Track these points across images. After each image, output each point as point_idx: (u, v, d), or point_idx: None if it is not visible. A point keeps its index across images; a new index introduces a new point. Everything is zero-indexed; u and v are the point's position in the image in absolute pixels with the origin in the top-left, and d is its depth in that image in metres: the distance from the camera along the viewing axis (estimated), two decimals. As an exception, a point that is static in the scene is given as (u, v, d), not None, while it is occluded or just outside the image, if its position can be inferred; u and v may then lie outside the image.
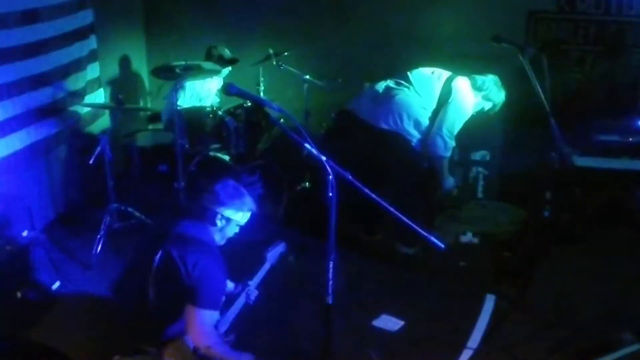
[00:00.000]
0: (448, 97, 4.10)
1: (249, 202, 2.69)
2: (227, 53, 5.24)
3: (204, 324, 2.50)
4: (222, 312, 2.82)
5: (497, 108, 4.29)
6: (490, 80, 4.20)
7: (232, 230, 2.71)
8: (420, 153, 4.20)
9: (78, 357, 3.10)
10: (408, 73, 4.25)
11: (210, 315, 2.52)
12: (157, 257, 2.48)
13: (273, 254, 3.13)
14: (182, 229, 2.57)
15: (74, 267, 4.12)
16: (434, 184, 4.41)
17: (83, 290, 3.86)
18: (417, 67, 4.36)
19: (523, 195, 4.97)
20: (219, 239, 2.69)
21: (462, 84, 4.17)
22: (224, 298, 2.70)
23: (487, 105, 4.25)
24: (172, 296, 2.53)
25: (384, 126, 4.10)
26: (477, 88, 4.19)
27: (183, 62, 4.49)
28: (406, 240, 4.33)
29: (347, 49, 5.77)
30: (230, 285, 2.99)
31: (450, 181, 4.34)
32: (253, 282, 2.99)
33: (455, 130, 4.12)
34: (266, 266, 3.08)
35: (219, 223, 2.63)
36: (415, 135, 4.12)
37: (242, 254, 2.87)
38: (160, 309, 2.53)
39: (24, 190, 4.08)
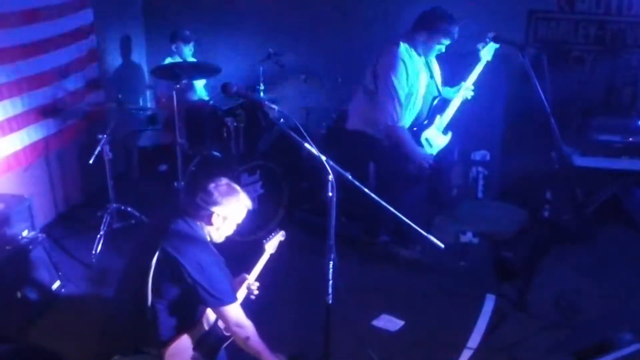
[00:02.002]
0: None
1: (244, 199, 2.68)
2: (186, 34, 5.24)
3: (234, 317, 2.56)
4: None
5: (455, 33, 3.85)
6: (428, 13, 3.84)
7: (229, 229, 2.71)
8: (386, 146, 4.01)
9: (78, 357, 3.11)
10: None
11: (235, 308, 2.57)
12: (155, 257, 2.47)
13: (272, 244, 3.11)
14: (179, 228, 2.57)
15: (74, 267, 4.12)
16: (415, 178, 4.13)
17: (83, 290, 3.87)
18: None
19: (523, 195, 4.97)
20: (216, 237, 2.69)
21: (388, 48, 3.89)
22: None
23: (443, 38, 3.85)
24: (172, 296, 2.54)
25: (349, 128, 4.16)
26: (419, 29, 3.86)
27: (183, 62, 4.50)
28: (403, 243, 4.30)
29: (347, 49, 5.76)
30: None
31: (418, 152, 3.96)
32: (253, 274, 2.98)
33: (394, 94, 3.82)
34: (265, 256, 3.07)
35: (215, 222, 2.62)
36: (371, 126, 4.01)
37: (241, 248, 2.86)
38: (160, 309, 2.53)
39: (24, 190, 4.08)
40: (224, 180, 2.66)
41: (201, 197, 2.59)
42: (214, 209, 2.59)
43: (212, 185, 2.60)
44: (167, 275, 2.49)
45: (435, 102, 4.06)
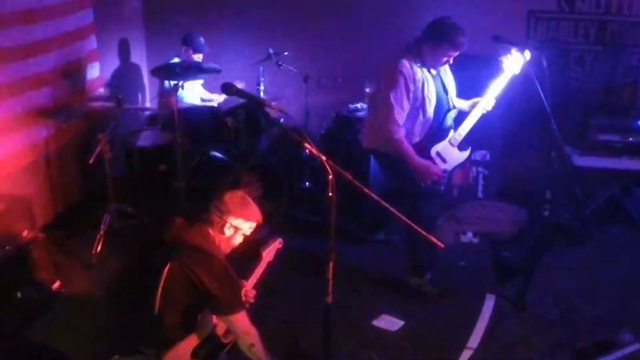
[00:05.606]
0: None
1: (256, 212, 2.72)
2: (199, 43, 5.18)
3: (242, 325, 2.62)
4: None
5: (463, 44, 3.64)
6: (434, 23, 3.70)
7: (237, 240, 2.74)
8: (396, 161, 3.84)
9: (78, 357, 3.11)
10: None
11: (243, 315, 2.63)
12: (169, 266, 2.48)
13: (269, 252, 3.11)
14: (193, 236, 2.59)
15: (74, 267, 4.12)
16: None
17: (83, 290, 3.86)
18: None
19: (523, 195, 4.97)
20: (224, 247, 2.71)
21: (389, 63, 3.73)
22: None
23: (451, 49, 3.65)
24: (180, 303, 2.56)
25: (364, 146, 4.05)
26: (425, 39, 3.68)
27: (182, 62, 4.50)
28: (414, 270, 4.04)
29: (347, 49, 5.77)
30: None
31: (421, 164, 3.73)
32: (250, 282, 2.99)
33: (393, 110, 3.63)
34: (263, 264, 3.07)
35: (227, 232, 2.65)
36: (379, 142, 3.87)
37: (239, 252, 2.87)
38: (165, 314, 2.54)
39: (24, 190, 4.08)
40: (239, 192, 2.71)
41: (215, 205, 2.62)
42: (228, 218, 2.62)
43: (227, 195, 2.65)
44: (180, 284, 2.50)
45: (449, 115, 3.88)
